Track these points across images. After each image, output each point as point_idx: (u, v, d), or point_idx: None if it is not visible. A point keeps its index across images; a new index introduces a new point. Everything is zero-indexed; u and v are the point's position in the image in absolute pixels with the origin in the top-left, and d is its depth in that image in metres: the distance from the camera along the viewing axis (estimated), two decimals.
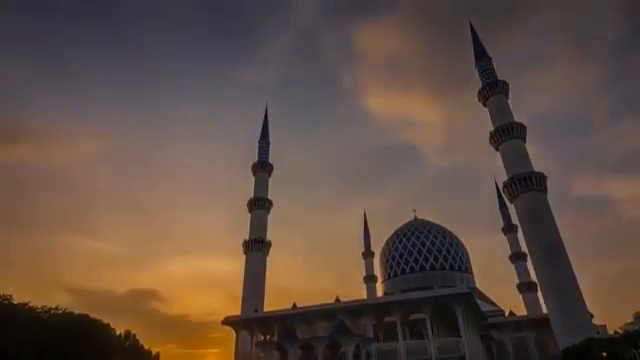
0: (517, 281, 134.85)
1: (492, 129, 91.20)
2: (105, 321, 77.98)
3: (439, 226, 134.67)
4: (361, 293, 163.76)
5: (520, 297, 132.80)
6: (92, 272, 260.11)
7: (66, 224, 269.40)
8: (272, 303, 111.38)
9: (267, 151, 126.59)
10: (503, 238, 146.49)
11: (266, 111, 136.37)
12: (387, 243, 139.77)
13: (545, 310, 77.73)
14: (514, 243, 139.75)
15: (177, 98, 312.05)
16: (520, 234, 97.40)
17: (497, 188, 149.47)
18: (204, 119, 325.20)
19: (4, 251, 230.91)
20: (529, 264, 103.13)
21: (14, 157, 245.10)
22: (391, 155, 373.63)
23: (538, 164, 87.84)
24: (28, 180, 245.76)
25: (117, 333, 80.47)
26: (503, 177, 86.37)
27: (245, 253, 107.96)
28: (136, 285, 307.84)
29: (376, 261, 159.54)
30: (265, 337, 77.93)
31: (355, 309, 68.32)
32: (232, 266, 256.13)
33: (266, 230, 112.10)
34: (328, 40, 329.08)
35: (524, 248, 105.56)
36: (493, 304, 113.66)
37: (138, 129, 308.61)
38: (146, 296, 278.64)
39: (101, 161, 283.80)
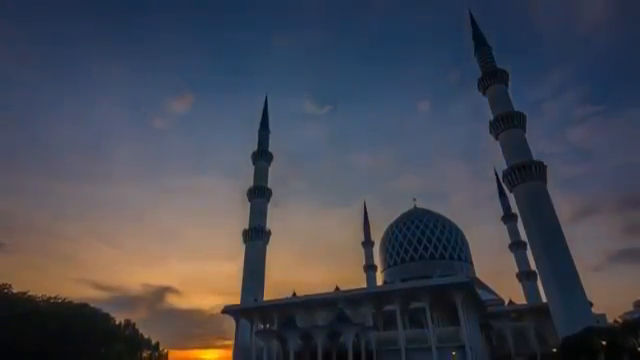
0: (517, 270, 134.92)
1: (491, 118, 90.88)
2: (104, 310, 78.36)
3: (439, 215, 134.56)
4: (361, 282, 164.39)
5: (520, 286, 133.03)
6: (112, 272, 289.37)
7: (92, 234, 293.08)
8: (273, 295, 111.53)
9: (267, 140, 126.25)
10: (503, 227, 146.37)
11: (266, 101, 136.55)
12: (387, 232, 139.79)
13: (545, 299, 77.77)
14: (514, 232, 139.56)
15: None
16: (520, 223, 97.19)
17: (497, 176, 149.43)
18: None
19: (43, 255, 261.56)
20: (529, 253, 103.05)
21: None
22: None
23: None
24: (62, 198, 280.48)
25: (117, 322, 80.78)
26: (503, 166, 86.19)
27: (245, 242, 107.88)
28: (150, 282, 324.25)
29: (376, 250, 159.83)
30: (265, 326, 78.06)
31: (355, 298, 68.25)
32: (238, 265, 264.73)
33: (266, 219, 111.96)
34: None
35: (524, 237, 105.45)
36: (493, 293, 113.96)
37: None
38: (160, 291, 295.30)
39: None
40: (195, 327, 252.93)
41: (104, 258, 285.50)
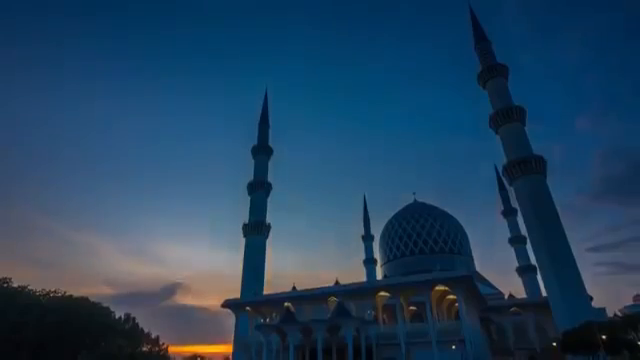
0: (517, 264, 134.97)
1: (491, 112, 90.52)
2: (105, 304, 78.25)
3: (439, 209, 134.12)
4: (361, 276, 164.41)
5: (520, 280, 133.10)
6: (123, 270, 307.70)
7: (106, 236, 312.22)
8: (273, 290, 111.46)
9: (267, 134, 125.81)
10: (503, 221, 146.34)
11: (265, 95, 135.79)
12: (387, 226, 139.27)
13: (545, 293, 77.71)
14: (514, 226, 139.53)
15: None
16: (520, 217, 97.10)
17: (497, 171, 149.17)
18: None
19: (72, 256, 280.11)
20: (529, 247, 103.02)
21: None
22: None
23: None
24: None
25: (117, 316, 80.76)
26: (503, 160, 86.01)
27: (245, 236, 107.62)
28: (158, 280, 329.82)
29: (376, 244, 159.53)
30: (265, 320, 78.03)
31: (355, 292, 68.17)
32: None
33: (265, 213, 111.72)
34: None
35: (524, 231, 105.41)
36: (493, 287, 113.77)
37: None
38: (168, 289, 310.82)
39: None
40: (200, 323, 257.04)
41: (116, 257, 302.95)
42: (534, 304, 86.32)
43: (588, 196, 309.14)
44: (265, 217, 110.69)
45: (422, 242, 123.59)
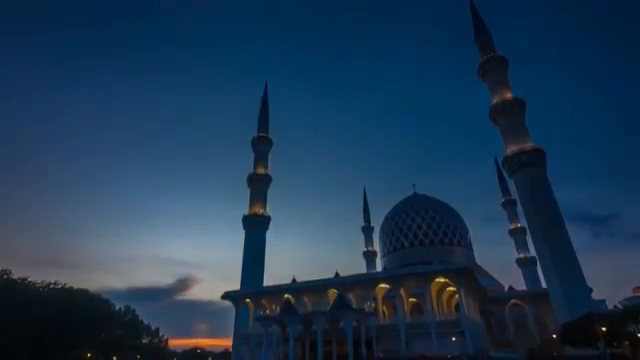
0: (517, 256, 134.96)
1: (491, 104, 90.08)
2: (104, 297, 78.41)
3: (438, 201, 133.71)
4: (361, 268, 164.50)
5: (520, 272, 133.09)
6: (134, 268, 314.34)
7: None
8: (273, 280, 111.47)
9: (267, 126, 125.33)
10: (503, 213, 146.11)
11: (265, 87, 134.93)
12: (387, 218, 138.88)
13: (544, 285, 77.65)
14: (514, 218, 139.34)
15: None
16: (520, 209, 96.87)
17: (497, 163, 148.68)
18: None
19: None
20: (529, 238, 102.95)
21: None
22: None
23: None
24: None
25: (117, 308, 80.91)
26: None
27: (245, 228, 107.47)
28: (165, 278, 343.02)
29: (375, 236, 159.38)
30: (265, 312, 78.08)
31: (354, 284, 68.14)
32: None
33: (266, 205, 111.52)
34: None
35: (524, 223, 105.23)
36: (492, 279, 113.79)
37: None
38: (175, 286, 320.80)
39: None
40: (205, 317, 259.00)
41: (121, 254, 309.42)
42: (534, 296, 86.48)
43: None
44: (265, 209, 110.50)
45: (422, 234, 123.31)
